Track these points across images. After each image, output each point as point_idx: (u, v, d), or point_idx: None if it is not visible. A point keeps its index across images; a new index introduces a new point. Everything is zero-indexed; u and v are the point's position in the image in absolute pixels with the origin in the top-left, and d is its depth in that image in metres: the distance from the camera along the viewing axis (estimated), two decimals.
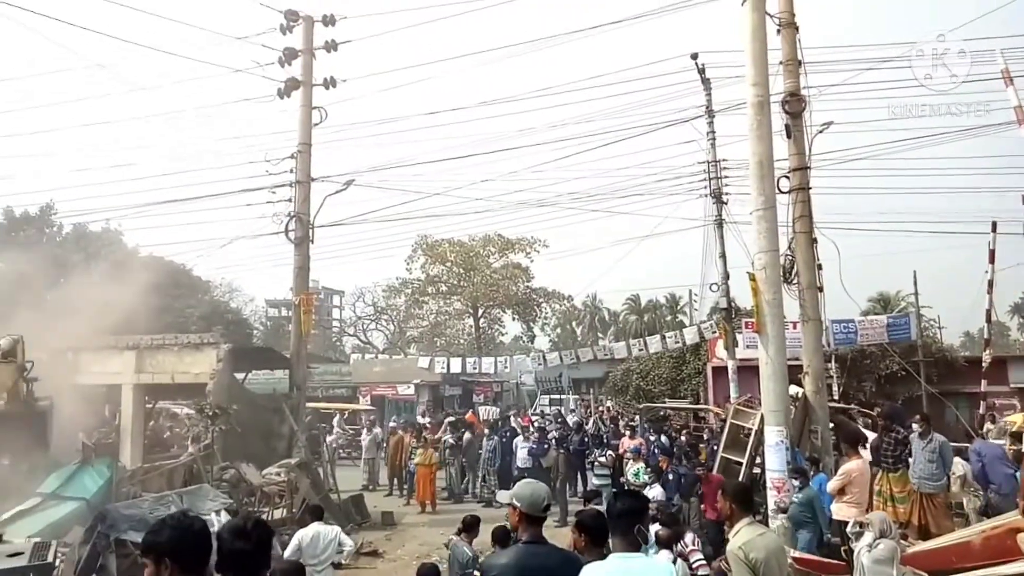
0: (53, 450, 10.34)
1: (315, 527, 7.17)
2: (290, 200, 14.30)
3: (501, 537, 6.30)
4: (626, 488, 11.02)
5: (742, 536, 4.16)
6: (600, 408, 27.38)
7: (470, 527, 7.22)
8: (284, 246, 14.61)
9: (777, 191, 9.57)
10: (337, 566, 7.28)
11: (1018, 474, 8.93)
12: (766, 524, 7.06)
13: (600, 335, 52.97)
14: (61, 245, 24.97)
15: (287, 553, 6.77)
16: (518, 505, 3.52)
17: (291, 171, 14.31)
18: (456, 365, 25.79)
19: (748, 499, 4.48)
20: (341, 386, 30.12)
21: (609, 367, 32.16)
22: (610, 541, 3.64)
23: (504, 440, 15.89)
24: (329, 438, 18.54)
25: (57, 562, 6.25)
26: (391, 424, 19.02)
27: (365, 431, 18.87)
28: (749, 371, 16.18)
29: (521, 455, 14.82)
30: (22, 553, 5.59)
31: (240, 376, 15.73)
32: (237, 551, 2.66)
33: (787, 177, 10.42)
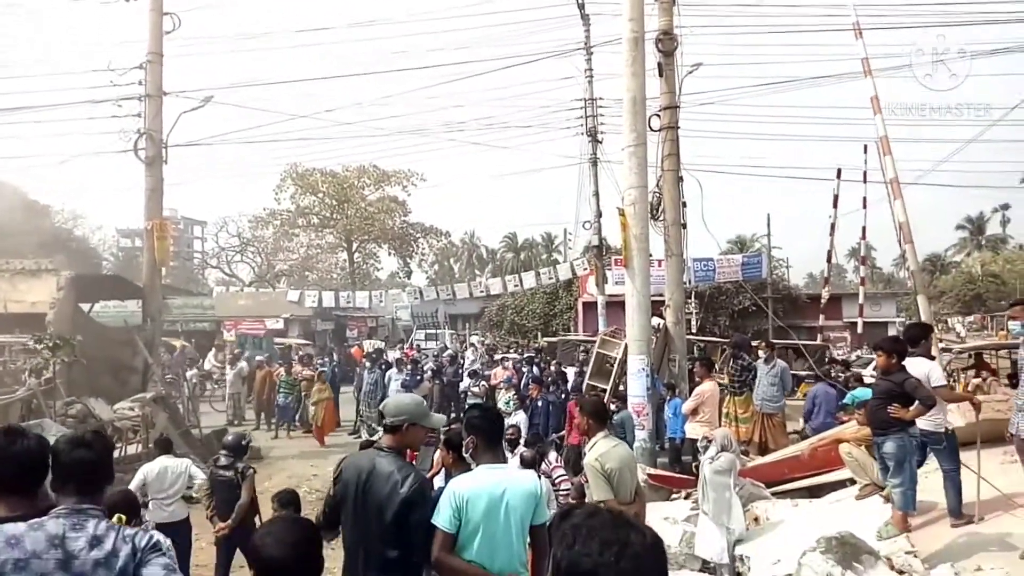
0: None
1: (162, 461, 6.81)
2: (139, 115, 13.04)
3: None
4: None
5: (598, 448, 4.36)
6: (481, 342, 27.70)
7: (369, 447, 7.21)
8: (136, 167, 13.39)
9: (648, 129, 9.85)
10: (190, 500, 6.98)
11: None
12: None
13: (477, 272, 53.41)
14: None
15: (131, 487, 6.40)
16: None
17: (140, 83, 13.00)
18: (328, 299, 25.11)
19: (603, 414, 4.70)
20: (203, 320, 28.58)
21: (485, 303, 32.58)
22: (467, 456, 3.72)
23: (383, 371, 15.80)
24: (190, 373, 17.64)
25: None
26: (258, 358, 18.33)
27: (229, 365, 18.13)
28: (617, 306, 16.84)
29: (394, 387, 14.80)
30: None
31: (86, 307, 14.51)
32: (77, 460, 2.46)
33: (658, 115, 10.73)
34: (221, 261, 43.21)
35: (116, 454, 10.32)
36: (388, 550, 3.33)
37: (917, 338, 6.01)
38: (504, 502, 3.38)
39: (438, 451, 3.81)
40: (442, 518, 3.31)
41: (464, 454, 3.75)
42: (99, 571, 2.36)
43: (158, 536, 2.50)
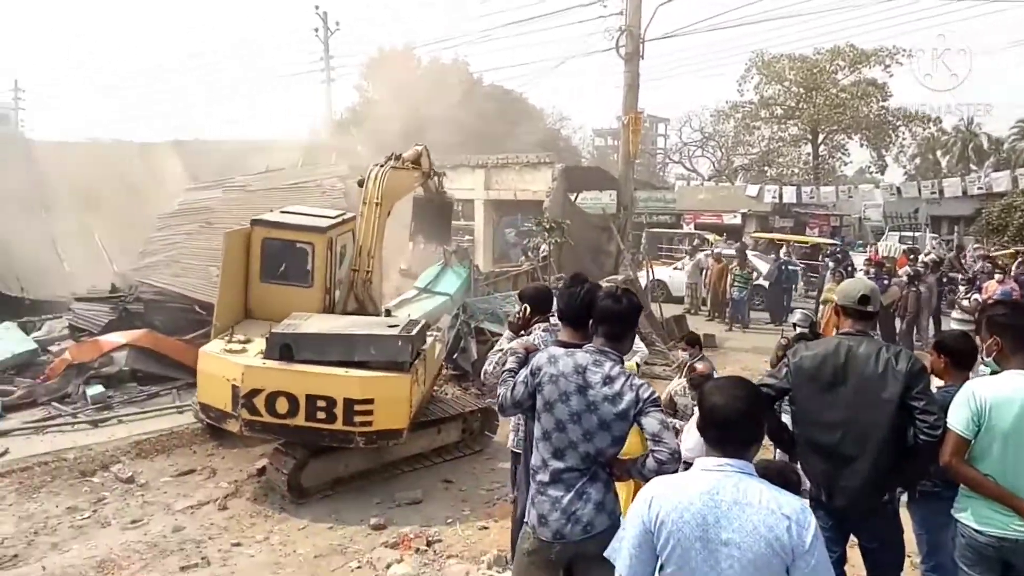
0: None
1: None
2: (621, 13, 13.92)
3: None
4: None
5: None
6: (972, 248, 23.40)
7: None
8: (613, 69, 14.46)
9: None
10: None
11: None
12: None
13: (974, 167, 44.30)
14: (422, 77, 28.03)
15: None
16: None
17: None
18: (789, 194, 23.97)
19: None
20: (665, 213, 30.25)
21: (982, 203, 27.14)
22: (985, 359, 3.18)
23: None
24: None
25: (429, 339, 7.46)
26: (716, 251, 18.73)
27: (688, 256, 18.95)
28: None
29: None
30: (398, 325, 6.75)
31: (571, 196, 16.66)
32: (605, 308, 2.96)
33: None
34: (683, 156, 44.65)
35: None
36: (886, 433, 3.20)
37: None
38: None
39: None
40: (958, 419, 2.99)
41: (986, 357, 3.24)
42: (605, 404, 2.80)
43: (658, 394, 2.85)
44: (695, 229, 27.58)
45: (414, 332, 6.48)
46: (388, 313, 8.40)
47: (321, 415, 5.98)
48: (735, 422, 2.09)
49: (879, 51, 32.98)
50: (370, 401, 6.03)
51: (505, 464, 6.10)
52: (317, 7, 32.38)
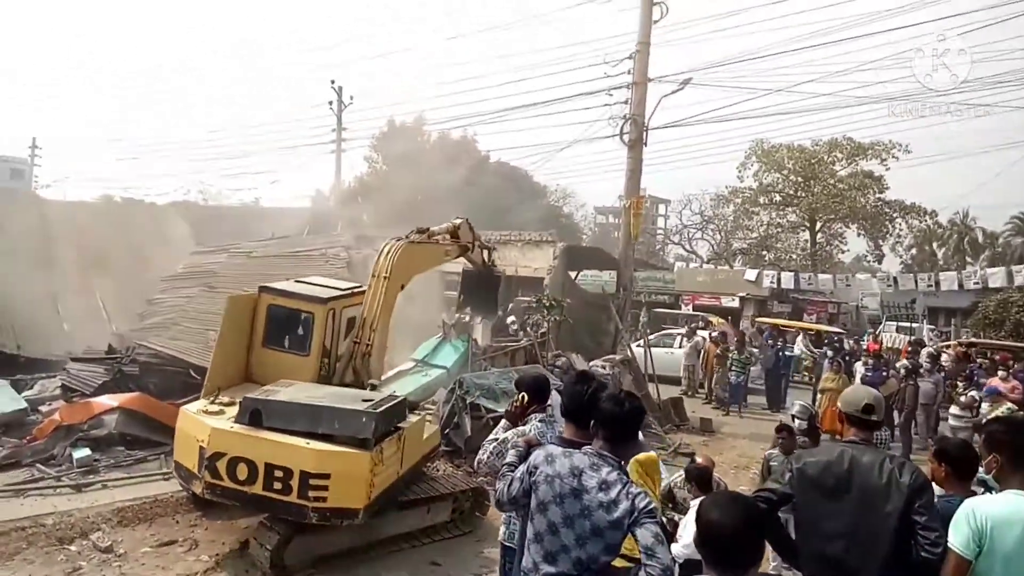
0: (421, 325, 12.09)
1: None
2: (626, 102, 14.39)
3: None
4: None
5: None
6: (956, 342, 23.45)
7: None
8: (616, 151, 14.94)
9: None
10: None
11: None
12: None
13: (969, 260, 44.83)
14: (430, 152, 28.73)
15: None
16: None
17: (628, 72, 14.33)
18: (787, 280, 24.21)
19: None
20: (664, 293, 30.40)
21: (979, 297, 27.33)
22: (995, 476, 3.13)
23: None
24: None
25: (412, 418, 7.19)
26: (714, 333, 18.73)
27: (685, 339, 18.93)
28: None
29: (857, 381, 13.55)
30: (372, 400, 6.39)
31: (572, 274, 16.80)
32: (607, 412, 2.94)
33: None
34: (682, 238, 45.23)
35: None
36: (890, 546, 3.11)
37: None
38: None
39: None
40: (958, 539, 2.92)
41: (986, 475, 3.20)
42: (599, 511, 2.72)
43: (656, 504, 2.78)
44: (693, 310, 27.65)
45: (382, 408, 6.21)
46: (373, 387, 8.19)
47: (278, 485, 5.82)
48: (732, 542, 2.04)
49: (875, 145, 33.96)
50: (326, 476, 5.82)
51: (494, 549, 5.94)
52: (333, 81, 33.42)
